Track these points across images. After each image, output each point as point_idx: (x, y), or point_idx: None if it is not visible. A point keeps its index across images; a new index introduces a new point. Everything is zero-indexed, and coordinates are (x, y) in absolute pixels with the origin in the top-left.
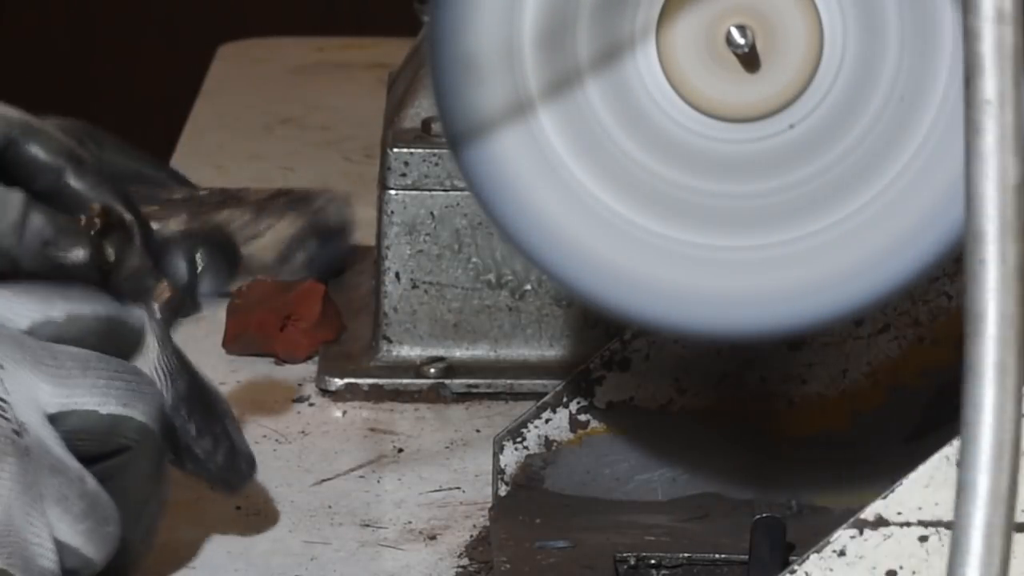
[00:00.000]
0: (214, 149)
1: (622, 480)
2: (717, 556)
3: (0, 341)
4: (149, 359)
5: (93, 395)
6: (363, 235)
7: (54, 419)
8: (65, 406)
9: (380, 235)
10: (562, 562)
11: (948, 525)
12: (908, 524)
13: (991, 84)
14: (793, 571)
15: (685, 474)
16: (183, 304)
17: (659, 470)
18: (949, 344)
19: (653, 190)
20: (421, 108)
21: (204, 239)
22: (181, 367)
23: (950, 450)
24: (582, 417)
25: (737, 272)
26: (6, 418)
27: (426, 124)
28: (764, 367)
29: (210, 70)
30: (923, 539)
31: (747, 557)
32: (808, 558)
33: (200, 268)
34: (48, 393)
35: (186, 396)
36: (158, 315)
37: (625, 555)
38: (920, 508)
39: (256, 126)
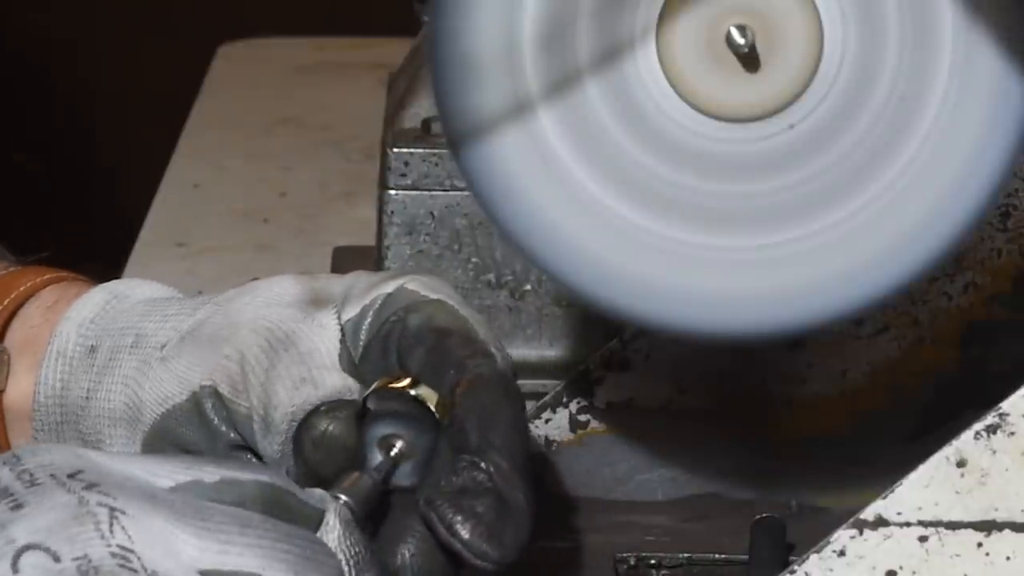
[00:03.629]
0: (214, 149)
1: (622, 480)
2: (717, 556)
3: (122, 493)
4: (329, 539)
5: (254, 556)
6: (363, 235)
7: None
8: (220, 564)
9: (380, 235)
10: (562, 562)
11: (948, 525)
12: (908, 524)
13: None
14: (793, 571)
15: (685, 474)
16: (377, 498)
17: (659, 470)
18: (949, 344)
19: (652, 190)
20: (421, 108)
21: (398, 414)
22: (371, 560)
23: (950, 450)
24: (582, 417)
25: (737, 272)
26: (132, 569)
27: (426, 124)
28: (764, 367)
29: (210, 70)
30: (923, 539)
31: (747, 557)
32: (808, 558)
33: (396, 451)
34: (194, 547)
35: None
36: (344, 498)
37: (625, 555)
38: (920, 508)
39: (256, 126)
